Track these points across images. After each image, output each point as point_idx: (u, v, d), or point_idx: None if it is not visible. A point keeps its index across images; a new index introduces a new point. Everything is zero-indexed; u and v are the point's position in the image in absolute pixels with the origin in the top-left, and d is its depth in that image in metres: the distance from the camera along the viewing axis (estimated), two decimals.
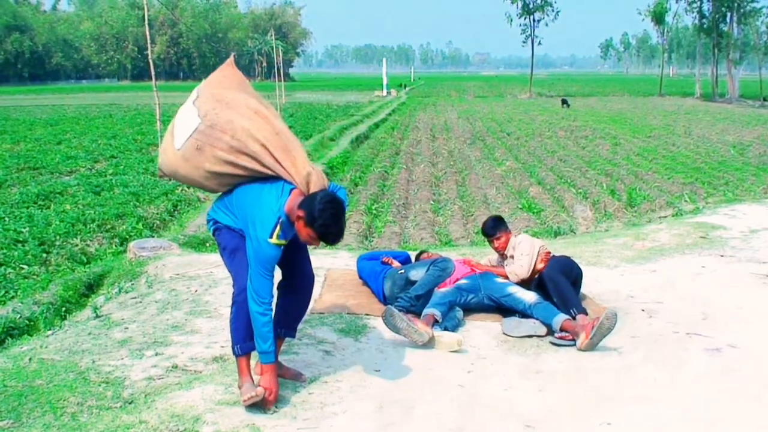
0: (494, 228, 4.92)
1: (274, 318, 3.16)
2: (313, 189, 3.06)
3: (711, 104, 41.21)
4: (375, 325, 4.34)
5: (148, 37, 13.43)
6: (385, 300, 4.65)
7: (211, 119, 3.13)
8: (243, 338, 3.17)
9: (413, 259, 5.20)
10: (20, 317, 5.12)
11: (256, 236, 3.03)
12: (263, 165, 3.11)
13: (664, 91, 53.84)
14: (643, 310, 4.66)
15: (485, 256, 5.40)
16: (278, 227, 3.02)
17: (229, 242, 3.24)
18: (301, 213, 2.98)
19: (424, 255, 5.19)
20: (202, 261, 6.05)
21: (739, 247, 6.38)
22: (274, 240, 3.01)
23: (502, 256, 4.94)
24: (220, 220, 3.30)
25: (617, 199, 11.57)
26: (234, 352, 3.23)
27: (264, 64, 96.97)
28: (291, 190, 3.09)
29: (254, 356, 3.26)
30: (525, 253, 4.78)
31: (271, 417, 3.08)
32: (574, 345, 4.02)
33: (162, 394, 3.27)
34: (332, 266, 5.79)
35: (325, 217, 2.94)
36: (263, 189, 3.12)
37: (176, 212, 10.45)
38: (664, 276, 5.51)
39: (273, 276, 3.10)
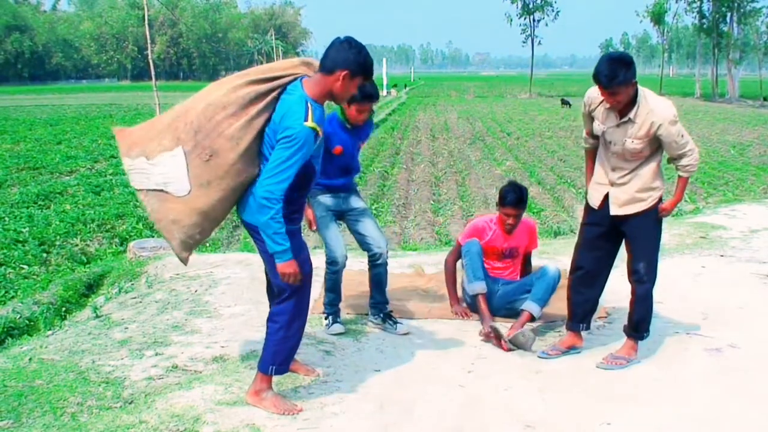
0: (611, 78, 3.23)
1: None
2: (315, 64, 3.00)
3: (711, 104, 41.20)
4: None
5: (148, 37, 13.48)
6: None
7: (184, 134, 2.93)
8: (282, 361, 3.16)
9: None
10: (20, 317, 5.11)
11: (291, 131, 2.81)
12: (267, 85, 2.93)
13: (664, 91, 53.61)
14: None
15: None
16: (309, 109, 2.85)
17: (300, 249, 3.03)
18: (343, 71, 2.88)
19: None
20: (202, 261, 6.04)
21: (739, 247, 6.37)
22: (309, 123, 2.83)
23: (617, 119, 3.51)
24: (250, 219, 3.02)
25: None
26: (265, 371, 3.14)
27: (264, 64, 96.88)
28: (301, 80, 2.96)
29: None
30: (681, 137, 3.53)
31: (271, 417, 3.08)
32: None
33: (162, 394, 3.27)
34: None
35: (364, 54, 2.93)
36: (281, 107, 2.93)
37: None
38: (664, 276, 5.47)
39: (290, 180, 2.85)
